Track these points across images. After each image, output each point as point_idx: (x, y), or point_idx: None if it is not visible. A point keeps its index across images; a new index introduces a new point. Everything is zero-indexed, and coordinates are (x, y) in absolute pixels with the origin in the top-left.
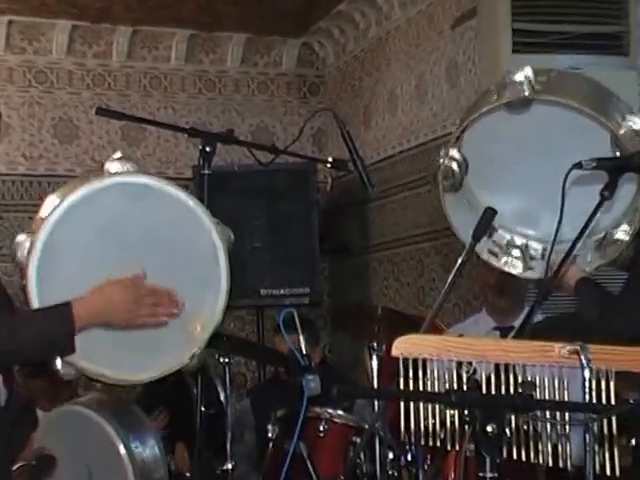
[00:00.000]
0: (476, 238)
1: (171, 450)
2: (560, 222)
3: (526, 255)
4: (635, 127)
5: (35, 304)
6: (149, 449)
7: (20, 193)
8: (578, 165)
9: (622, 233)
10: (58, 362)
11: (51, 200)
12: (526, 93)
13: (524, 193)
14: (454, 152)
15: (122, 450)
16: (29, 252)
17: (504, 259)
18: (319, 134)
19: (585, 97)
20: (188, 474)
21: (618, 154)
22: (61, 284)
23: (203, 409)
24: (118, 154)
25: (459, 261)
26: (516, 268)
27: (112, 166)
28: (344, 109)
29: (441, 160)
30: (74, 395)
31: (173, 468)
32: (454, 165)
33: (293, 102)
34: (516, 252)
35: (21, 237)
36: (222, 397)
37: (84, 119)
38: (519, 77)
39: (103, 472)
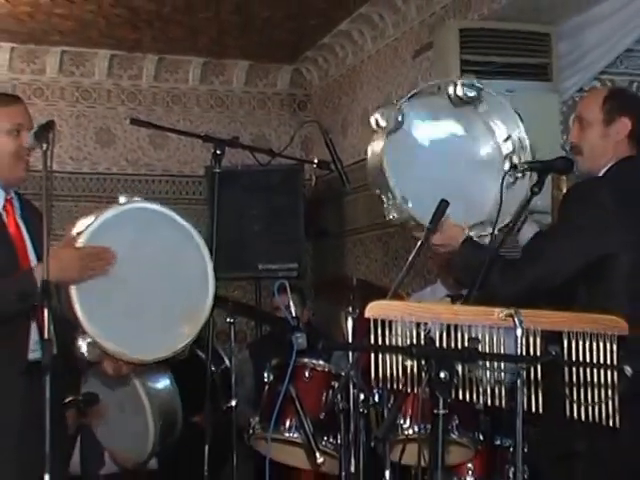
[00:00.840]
0: (433, 224)
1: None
2: (499, 211)
3: None
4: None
5: (74, 297)
6: (163, 385)
7: (68, 187)
8: (514, 167)
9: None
10: (83, 345)
11: (82, 222)
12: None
13: (432, 180)
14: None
15: (141, 390)
16: None
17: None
18: (306, 141)
19: None
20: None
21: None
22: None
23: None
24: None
25: (417, 244)
26: None
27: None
28: (326, 121)
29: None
30: None
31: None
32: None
33: (285, 115)
34: None
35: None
36: (224, 356)
37: (120, 128)
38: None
39: (131, 407)
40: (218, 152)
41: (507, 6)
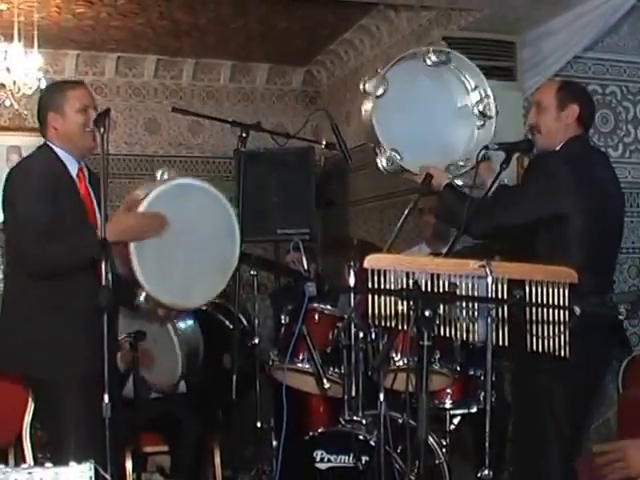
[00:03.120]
0: (420, 195)
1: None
2: (474, 180)
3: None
4: None
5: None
6: (187, 323)
7: (123, 167)
8: (486, 147)
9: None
10: (141, 298)
11: (136, 193)
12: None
13: (414, 131)
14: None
15: (170, 329)
16: None
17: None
18: (316, 129)
19: None
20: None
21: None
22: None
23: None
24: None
25: (405, 211)
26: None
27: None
28: (333, 113)
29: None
30: None
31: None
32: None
33: (299, 108)
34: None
35: None
36: (243, 320)
37: (164, 118)
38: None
39: (163, 341)
40: (244, 135)
41: (481, 19)
